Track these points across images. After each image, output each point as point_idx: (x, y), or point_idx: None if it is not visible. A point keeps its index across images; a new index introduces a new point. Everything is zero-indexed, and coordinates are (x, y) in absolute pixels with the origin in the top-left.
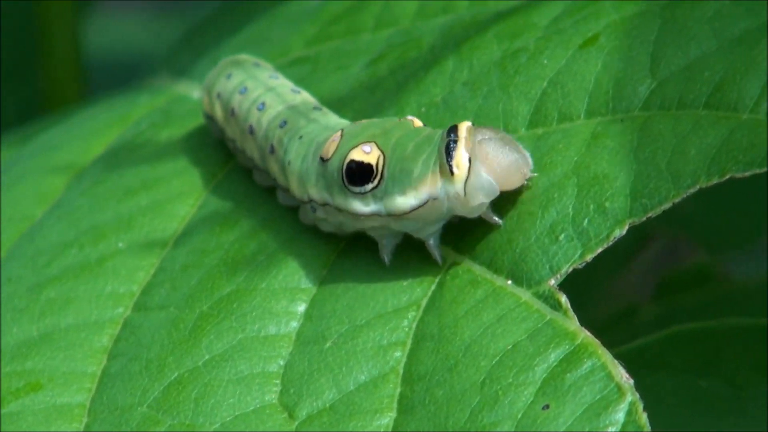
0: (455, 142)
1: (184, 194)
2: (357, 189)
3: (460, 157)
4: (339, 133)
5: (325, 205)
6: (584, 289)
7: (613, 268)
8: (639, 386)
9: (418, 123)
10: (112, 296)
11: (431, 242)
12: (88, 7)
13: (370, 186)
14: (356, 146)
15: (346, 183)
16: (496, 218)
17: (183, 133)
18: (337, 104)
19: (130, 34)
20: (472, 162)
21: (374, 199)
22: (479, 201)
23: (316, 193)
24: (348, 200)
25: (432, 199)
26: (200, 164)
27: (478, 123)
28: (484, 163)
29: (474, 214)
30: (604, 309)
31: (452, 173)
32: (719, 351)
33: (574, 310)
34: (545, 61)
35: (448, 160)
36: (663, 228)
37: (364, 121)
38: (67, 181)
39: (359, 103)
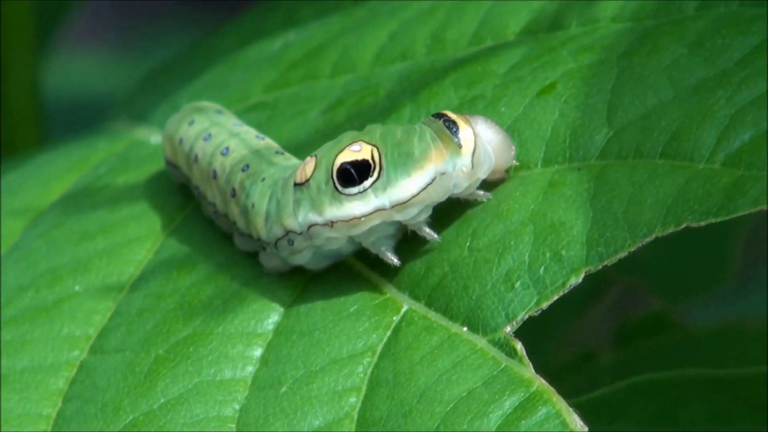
0: (452, 121)
1: (141, 238)
2: (355, 189)
3: (467, 131)
4: (309, 158)
5: (310, 227)
6: (541, 335)
7: (570, 315)
8: None
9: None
10: (68, 339)
11: (426, 229)
12: (47, 50)
13: (370, 180)
14: (342, 150)
15: (341, 188)
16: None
17: (141, 178)
18: (295, 150)
19: (89, 78)
20: (476, 136)
21: (375, 193)
22: (483, 173)
23: (295, 221)
24: (344, 206)
25: (440, 174)
26: (158, 209)
27: None
28: (483, 138)
29: (471, 190)
30: (561, 355)
31: (460, 146)
32: (677, 401)
33: (531, 357)
34: (503, 109)
35: (455, 134)
36: (620, 275)
37: (327, 143)
38: (25, 225)
39: (315, 149)
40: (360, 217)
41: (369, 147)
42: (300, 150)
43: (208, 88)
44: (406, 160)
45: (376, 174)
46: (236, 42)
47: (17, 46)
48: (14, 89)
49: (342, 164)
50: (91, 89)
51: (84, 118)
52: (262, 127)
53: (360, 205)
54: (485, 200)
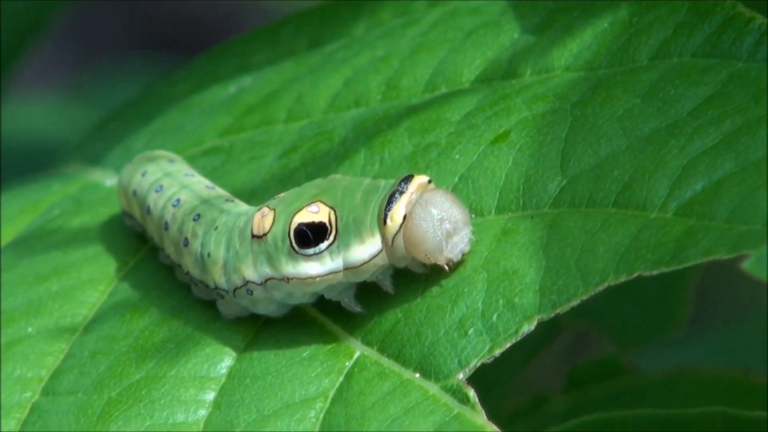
0: (401, 193)
1: (94, 281)
2: (311, 251)
3: (397, 210)
4: (265, 209)
5: (267, 281)
6: (492, 381)
7: (522, 360)
8: None
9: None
10: (20, 381)
11: (386, 282)
12: (1, 93)
13: (326, 243)
14: (300, 209)
15: (297, 248)
16: (390, 289)
17: (95, 221)
18: (249, 195)
19: (40, 121)
20: (407, 220)
21: (331, 255)
22: (400, 262)
23: (253, 273)
24: (300, 265)
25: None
26: (111, 252)
27: None
28: (412, 229)
29: (400, 265)
30: (513, 400)
31: (385, 223)
32: None
33: (483, 403)
34: (456, 156)
35: (385, 209)
36: (573, 320)
37: (285, 192)
38: None
39: (270, 194)
40: (315, 278)
41: (327, 210)
42: (255, 195)
43: (163, 132)
44: (360, 228)
45: (332, 237)
46: (190, 86)
47: None
48: None
49: (299, 225)
50: (42, 133)
51: (36, 161)
52: (216, 172)
53: (316, 266)
54: (390, 292)
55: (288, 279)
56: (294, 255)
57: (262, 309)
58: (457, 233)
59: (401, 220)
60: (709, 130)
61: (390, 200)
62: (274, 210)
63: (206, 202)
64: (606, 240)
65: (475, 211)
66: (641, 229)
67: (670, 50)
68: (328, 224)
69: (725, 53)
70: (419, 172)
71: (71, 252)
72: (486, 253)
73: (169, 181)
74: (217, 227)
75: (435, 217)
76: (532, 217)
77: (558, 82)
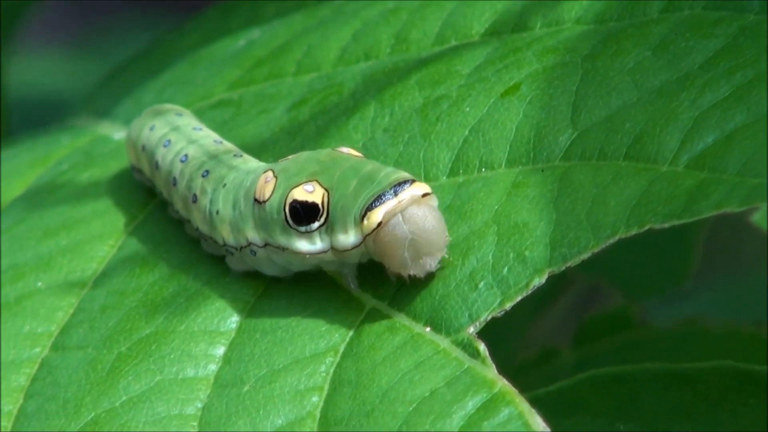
0: (390, 197)
1: (104, 235)
2: (303, 228)
3: (375, 214)
4: (270, 173)
5: (266, 245)
6: (502, 334)
7: (531, 314)
8: (555, 429)
9: (356, 154)
10: (30, 336)
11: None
12: (7, 46)
13: (316, 224)
14: (297, 185)
15: (291, 223)
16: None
17: (104, 174)
18: (259, 148)
19: (50, 74)
20: (381, 226)
21: (320, 236)
22: (377, 258)
23: (255, 235)
24: (292, 240)
25: None
26: (121, 206)
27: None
28: (383, 238)
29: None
30: (522, 354)
31: (362, 221)
32: (637, 395)
33: (492, 356)
34: (467, 109)
35: (367, 207)
36: (582, 273)
37: (293, 157)
38: None
39: (280, 147)
40: (305, 254)
41: (322, 191)
42: (264, 148)
43: (172, 84)
44: (345, 217)
45: (323, 219)
46: (199, 39)
47: None
48: None
49: (294, 201)
50: (50, 87)
51: (46, 115)
52: (226, 125)
53: (306, 244)
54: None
55: (283, 248)
56: (287, 228)
57: (267, 270)
58: (428, 255)
59: (375, 226)
60: (720, 82)
61: (375, 200)
62: (276, 178)
63: (214, 157)
64: (617, 193)
65: (485, 164)
66: (652, 182)
67: (681, 3)
68: (320, 206)
69: (736, 6)
70: (430, 134)
71: (81, 206)
72: (496, 207)
73: (177, 135)
74: (225, 184)
75: (408, 235)
76: (542, 170)
77: (568, 34)
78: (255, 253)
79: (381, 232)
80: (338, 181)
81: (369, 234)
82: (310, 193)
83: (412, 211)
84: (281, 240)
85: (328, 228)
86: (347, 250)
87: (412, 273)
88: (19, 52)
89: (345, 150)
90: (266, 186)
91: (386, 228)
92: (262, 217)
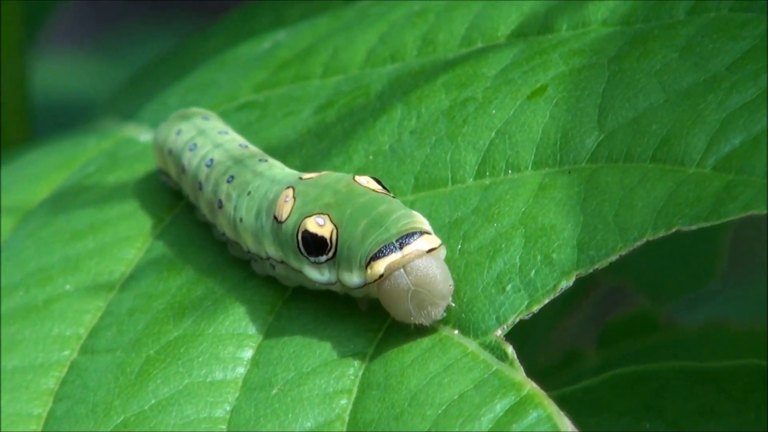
0: (394, 249)
1: (131, 238)
2: (312, 258)
3: (377, 266)
4: (291, 192)
5: (283, 263)
6: (527, 335)
7: (555, 316)
8: (581, 428)
9: (373, 185)
10: (58, 339)
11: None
12: (32, 49)
13: (324, 258)
14: (310, 215)
15: (303, 251)
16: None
17: (130, 177)
18: (285, 150)
19: (75, 77)
20: (383, 278)
21: (329, 269)
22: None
23: (274, 251)
24: (303, 266)
25: None
26: (147, 208)
27: (426, 172)
28: (386, 290)
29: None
30: (547, 356)
31: (365, 267)
32: (662, 394)
33: (519, 360)
34: (493, 111)
35: (371, 256)
36: (606, 275)
37: (316, 176)
38: (14, 224)
39: (307, 150)
40: (315, 282)
41: (331, 227)
42: (290, 150)
43: (197, 87)
44: (351, 259)
45: (330, 254)
46: (224, 41)
47: (8, 46)
48: (3, 89)
49: (305, 231)
50: (75, 89)
51: (71, 118)
52: (252, 127)
53: (315, 273)
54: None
55: (297, 270)
56: (299, 255)
57: (288, 282)
58: (432, 306)
59: (377, 277)
60: (747, 84)
61: (380, 250)
62: (294, 200)
63: (240, 162)
64: (644, 195)
65: (511, 166)
66: (679, 184)
67: (708, 4)
68: (329, 241)
69: (763, 7)
70: (456, 142)
71: (107, 208)
72: (523, 209)
73: (203, 139)
74: (249, 192)
75: (411, 287)
76: (569, 172)
77: (594, 36)
78: (274, 267)
79: (384, 283)
80: (348, 219)
81: (372, 283)
82: (321, 226)
83: (416, 265)
84: (294, 263)
85: (336, 263)
86: (353, 288)
87: (417, 322)
88: (44, 55)
89: (364, 181)
90: (285, 206)
91: (389, 280)
92: (279, 236)
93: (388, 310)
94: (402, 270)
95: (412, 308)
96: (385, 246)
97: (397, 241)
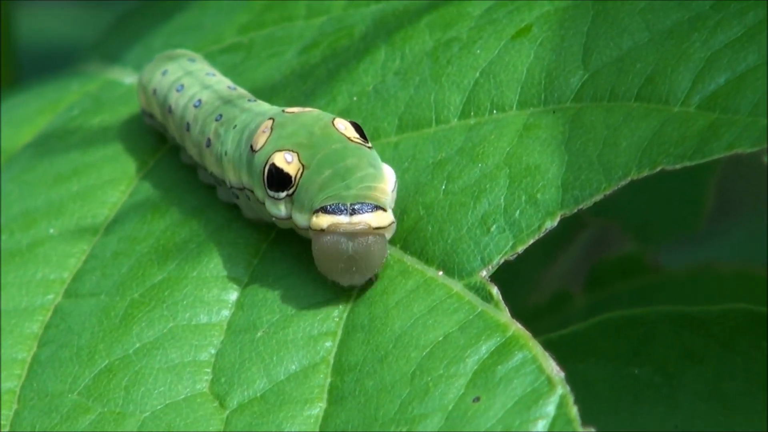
0: (343, 212)
1: (115, 181)
2: (272, 192)
3: (320, 220)
4: (270, 123)
5: (252, 191)
6: (515, 278)
7: (543, 258)
8: (569, 373)
9: (351, 132)
10: (42, 283)
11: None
12: None
13: (284, 194)
14: (281, 150)
15: (265, 183)
16: None
17: (115, 120)
18: (270, 92)
19: (59, 21)
20: (324, 232)
21: (286, 205)
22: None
23: (247, 180)
24: (266, 198)
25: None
26: (132, 151)
27: (410, 113)
28: (319, 244)
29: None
30: (534, 298)
31: (312, 215)
32: (649, 339)
33: (505, 301)
34: (478, 52)
35: (320, 206)
36: (593, 217)
37: (298, 111)
38: None
39: (291, 91)
40: (273, 217)
41: (298, 165)
42: (275, 91)
43: (181, 29)
44: (304, 202)
45: (291, 191)
46: None
47: None
48: None
49: (272, 165)
50: (62, 33)
51: (55, 62)
52: (236, 69)
53: (274, 208)
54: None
55: (261, 202)
56: (263, 186)
57: (265, 217)
58: (359, 275)
59: (317, 229)
60: (731, 22)
61: (330, 206)
62: (271, 131)
63: (228, 102)
64: (628, 134)
65: (496, 106)
66: (664, 123)
67: None
68: (292, 179)
69: None
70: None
71: (91, 152)
72: (508, 149)
73: (191, 80)
74: (236, 126)
75: (349, 252)
76: (553, 112)
77: None
78: (249, 198)
79: (324, 236)
80: (316, 163)
81: (311, 231)
82: (288, 163)
83: (360, 240)
84: (259, 194)
85: (293, 201)
86: (302, 228)
87: (337, 281)
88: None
89: (342, 126)
90: (261, 136)
91: (330, 236)
92: (252, 165)
93: (315, 260)
94: (346, 236)
95: (340, 268)
96: (337, 205)
97: (351, 205)
